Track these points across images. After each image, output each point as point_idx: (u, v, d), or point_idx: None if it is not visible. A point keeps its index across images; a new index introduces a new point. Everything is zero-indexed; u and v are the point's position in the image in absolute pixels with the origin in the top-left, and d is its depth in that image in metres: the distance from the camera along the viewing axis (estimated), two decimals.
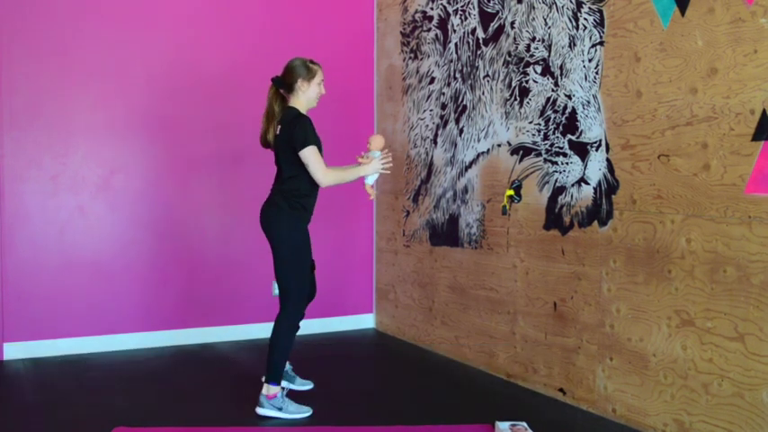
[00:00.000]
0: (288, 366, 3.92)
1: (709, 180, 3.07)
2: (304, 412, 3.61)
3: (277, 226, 3.61)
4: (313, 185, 3.65)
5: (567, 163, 3.81)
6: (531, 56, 4.05)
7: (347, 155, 4.60)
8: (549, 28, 3.91)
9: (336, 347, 5.08)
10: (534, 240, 4.05)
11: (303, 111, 3.68)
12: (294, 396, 3.80)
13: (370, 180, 3.75)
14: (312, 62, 3.70)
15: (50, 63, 4.70)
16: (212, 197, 5.17)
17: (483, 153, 4.47)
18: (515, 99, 4.18)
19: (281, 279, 3.64)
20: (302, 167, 3.58)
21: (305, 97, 3.67)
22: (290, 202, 3.60)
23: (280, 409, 3.58)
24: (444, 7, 4.82)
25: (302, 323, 3.87)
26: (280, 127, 3.62)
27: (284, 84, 3.66)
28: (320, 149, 3.62)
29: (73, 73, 4.76)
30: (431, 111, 4.98)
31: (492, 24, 4.37)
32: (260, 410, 3.60)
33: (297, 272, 3.62)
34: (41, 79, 4.68)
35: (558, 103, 3.87)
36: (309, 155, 3.52)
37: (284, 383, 3.81)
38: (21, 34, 4.62)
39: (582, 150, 3.72)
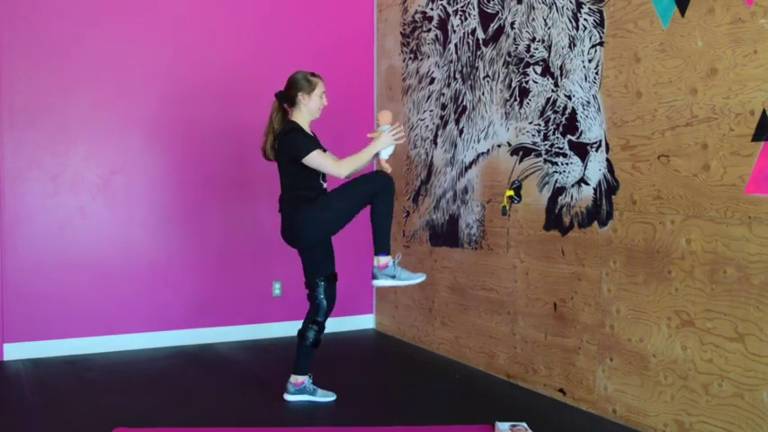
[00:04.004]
0: (308, 380, 3.89)
1: (709, 180, 3.07)
2: (417, 278, 3.72)
3: (304, 225, 3.67)
4: (315, 188, 3.71)
5: (566, 163, 3.82)
6: (531, 56, 4.05)
7: (347, 155, 4.60)
8: (549, 28, 3.91)
9: (336, 347, 5.07)
10: (534, 241, 4.05)
11: (306, 123, 3.76)
12: (313, 406, 3.81)
13: (385, 154, 3.75)
14: (313, 74, 3.77)
15: (51, 63, 4.70)
16: (212, 197, 5.17)
17: (483, 153, 4.47)
18: (515, 99, 4.18)
19: (358, 203, 3.68)
20: (300, 175, 3.67)
21: (307, 110, 3.75)
22: (300, 200, 3.68)
23: (393, 277, 3.66)
24: (444, 8, 4.82)
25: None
26: (277, 141, 3.72)
27: (287, 98, 3.76)
28: (320, 148, 3.69)
29: (73, 73, 4.76)
30: (431, 111, 4.98)
31: (492, 25, 4.37)
32: (375, 282, 3.71)
33: (351, 195, 3.67)
34: (41, 79, 4.68)
35: (557, 103, 3.87)
36: (314, 159, 3.61)
37: (304, 396, 3.86)
38: (21, 34, 4.62)
39: (582, 151, 3.72)
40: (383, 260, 3.68)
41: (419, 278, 3.72)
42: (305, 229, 3.69)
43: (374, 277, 3.70)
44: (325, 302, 3.83)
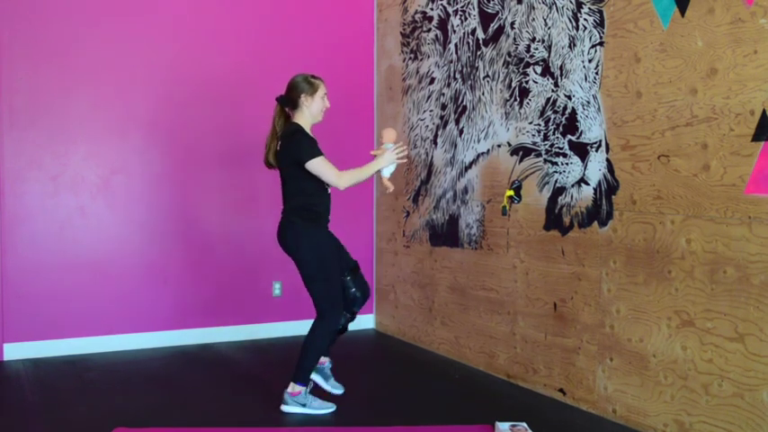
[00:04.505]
0: (328, 364, 3.91)
1: (709, 180, 3.07)
2: (328, 408, 3.67)
3: (297, 244, 3.63)
4: (320, 194, 3.65)
5: (566, 163, 3.82)
6: (531, 56, 4.05)
7: (348, 155, 4.61)
8: (549, 28, 3.91)
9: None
10: (534, 241, 4.05)
11: (308, 126, 3.68)
12: (318, 395, 3.80)
13: (386, 173, 3.74)
14: (314, 77, 3.71)
15: (51, 63, 4.70)
16: (212, 198, 5.17)
17: (483, 153, 4.47)
18: (515, 99, 4.18)
19: (311, 292, 3.66)
20: (305, 180, 3.59)
21: (309, 112, 3.67)
22: (302, 215, 3.61)
23: (303, 405, 3.64)
24: (444, 8, 4.82)
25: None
26: (280, 143, 3.64)
27: (289, 101, 3.68)
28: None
29: (73, 73, 4.76)
30: (431, 111, 4.98)
31: (492, 25, 4.37)
32: (284, 408, 3.65)
33: (325, 283, 3.63)
34: (41, 79, 4.68)
35: (557, 103, 3.87)
36: (317, 165, 3.53)
37: (316, 377, 3.83)
38: (21, 34, 4.62)
39: (582, 151, 3.72)
40: (297, 388, 3.65)
41: (329, 408, 3.67)
42: (302, 248, 3.63)
43: (284, 402, 3.66)
44: (358, 294, 3.82)
